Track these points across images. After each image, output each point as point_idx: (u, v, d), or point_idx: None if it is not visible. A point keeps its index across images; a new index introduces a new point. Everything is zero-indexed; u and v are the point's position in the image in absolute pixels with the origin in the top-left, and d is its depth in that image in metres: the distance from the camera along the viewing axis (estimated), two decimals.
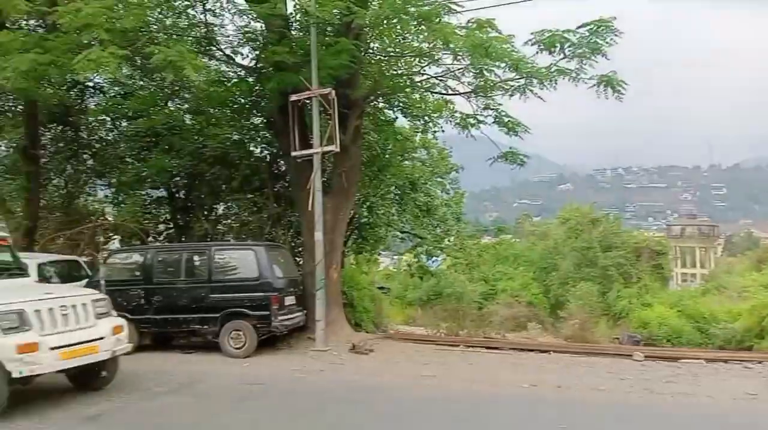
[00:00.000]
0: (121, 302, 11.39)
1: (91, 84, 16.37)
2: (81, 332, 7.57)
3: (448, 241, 20.68)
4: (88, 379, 8.16)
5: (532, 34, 11.63)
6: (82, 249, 15.26)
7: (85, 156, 17.09)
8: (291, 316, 11.91)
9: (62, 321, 7.37)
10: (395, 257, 26.10)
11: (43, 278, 11.70)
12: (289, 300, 11.98)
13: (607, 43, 11.47)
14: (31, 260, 11.94)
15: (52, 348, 7.10)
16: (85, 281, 12.02)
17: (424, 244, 20.36)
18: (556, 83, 12.02)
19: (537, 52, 11.72)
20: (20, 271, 8.75)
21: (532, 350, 12.68)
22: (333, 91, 11.96)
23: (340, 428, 7.11)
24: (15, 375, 6.79)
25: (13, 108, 16.44)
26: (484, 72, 12.49)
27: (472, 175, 21.13)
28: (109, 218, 17.90)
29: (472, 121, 14.26)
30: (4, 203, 16.37)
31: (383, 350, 12.14)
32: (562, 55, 11.72)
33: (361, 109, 13.54)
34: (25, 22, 13.60)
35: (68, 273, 12.78)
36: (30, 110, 15.44)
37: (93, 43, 10.48)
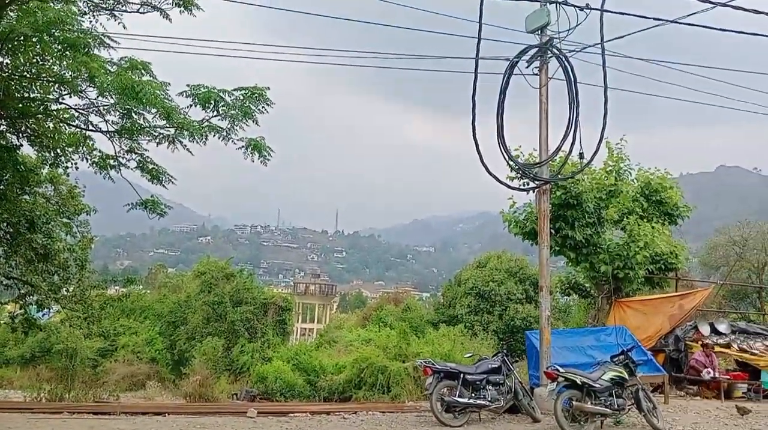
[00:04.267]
0: None
1: None
2: None
3: (67, 290, 18.54)
4: None
5: (188, 86, 11.69)
6: None
7: None
8: None
9: None
10: None
11: None
12: None
13: (259, 110, 12.03)
14: None
15: None
16: None
17: (35, 293, 17.82)
18: (206, 138, 12.07)
19: (191, 105, 11.77)
20: None
21: (146, 413, 12.14)
22: None
23: None
24: None
25: None
26: (132, 114, 11.95)
27: (105, 217, 19.62)
28: None
29: (112, 162, 13.13)
30: None
31: None
32: (215, 113, 11.93)
33: None
34: None
35: None
36: None
37: None
